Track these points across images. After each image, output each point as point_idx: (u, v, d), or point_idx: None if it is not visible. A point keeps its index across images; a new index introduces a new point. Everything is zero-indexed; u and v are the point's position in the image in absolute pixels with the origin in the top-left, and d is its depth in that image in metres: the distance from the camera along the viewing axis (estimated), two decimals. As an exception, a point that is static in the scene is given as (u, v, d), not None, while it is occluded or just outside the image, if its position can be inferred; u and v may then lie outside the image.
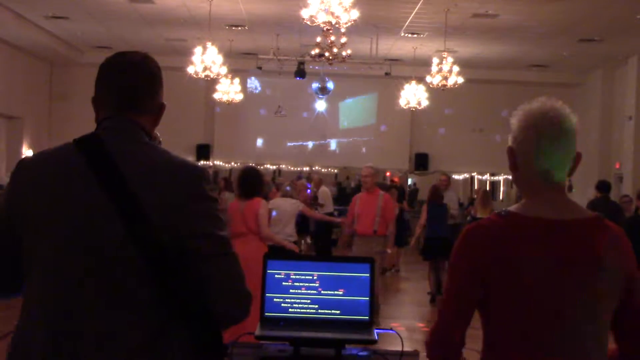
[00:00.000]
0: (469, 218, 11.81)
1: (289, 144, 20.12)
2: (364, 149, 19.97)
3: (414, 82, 15.39)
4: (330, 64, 12.31)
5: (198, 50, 13.05)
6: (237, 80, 16.29)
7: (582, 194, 15.02)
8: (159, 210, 1.74)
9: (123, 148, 1.81)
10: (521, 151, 1.95)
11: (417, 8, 12.52)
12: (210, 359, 1.85)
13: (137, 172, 1.76)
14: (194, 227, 1.77)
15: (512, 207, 1.96)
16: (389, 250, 7.86)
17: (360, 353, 2.74)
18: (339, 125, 20.30)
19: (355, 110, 20.24)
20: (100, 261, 1.73)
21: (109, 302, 1.73)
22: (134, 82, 1.88)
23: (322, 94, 18.48)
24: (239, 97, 16.49)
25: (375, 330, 2.74)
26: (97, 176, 1.76)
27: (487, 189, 16.22)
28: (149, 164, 1.80)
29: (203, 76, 13.22)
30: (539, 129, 1.90)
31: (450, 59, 13.58)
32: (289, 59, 16.03)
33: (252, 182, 6.48)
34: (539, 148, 1.90)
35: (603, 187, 10.26)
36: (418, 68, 15.45)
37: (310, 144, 20.14)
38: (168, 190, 1.76)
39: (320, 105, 19.69)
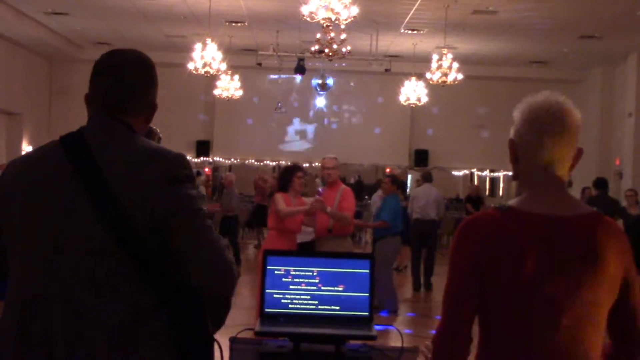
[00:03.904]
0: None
1: (288, 140, 20.10)
2: (363, 146, 19.94)
3: (413, 79, 15.38)
4: (330, 60, 12.31)
5: (198, 46, 13.05)
6: (237, 76, 16.28)
7: (581, 189, 15.01)
8: (134, 195, 1.77)
9: (102, 140, 1.86)
10: (523, 145, 1.94)
11: (417, 4, 12.50)
12: (199, 349, 1.85)
13: (113, 160, 1.81)
14: (170, 206, 1.79)
15: (512, 202, 1.95)
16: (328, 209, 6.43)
17: (360, 349, 2.74)
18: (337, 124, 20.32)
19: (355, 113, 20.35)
20: (75, 246, 1.77)
21: (82, 283, 1.76)
22: (121, 86, 1.91)
23: (322, 90, 18.46)
24: (238, 93, 16.49)
25: (375, 327, 2.74)
26: (73, 166, 1.81)
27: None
28: (127, 152, 1.84)
29: (203, 72, 13.21)
30: (541, 124, 1.90)
31: (450, 56, 13.56)
32: (289, 55, 16.01)
33: (278, 181, 6.87)
34: (541, 143, 1.90)
35: (601, 184, 10.21)
36: (418, 64, 15.43)
37: (310, 140, 20.12)
38: (144, 175, 1.80)
39: (320, 101, 19.67)
